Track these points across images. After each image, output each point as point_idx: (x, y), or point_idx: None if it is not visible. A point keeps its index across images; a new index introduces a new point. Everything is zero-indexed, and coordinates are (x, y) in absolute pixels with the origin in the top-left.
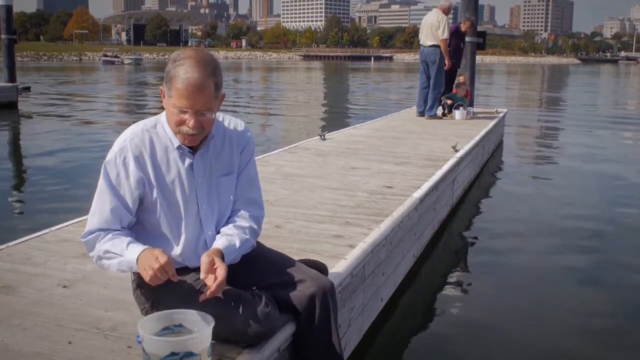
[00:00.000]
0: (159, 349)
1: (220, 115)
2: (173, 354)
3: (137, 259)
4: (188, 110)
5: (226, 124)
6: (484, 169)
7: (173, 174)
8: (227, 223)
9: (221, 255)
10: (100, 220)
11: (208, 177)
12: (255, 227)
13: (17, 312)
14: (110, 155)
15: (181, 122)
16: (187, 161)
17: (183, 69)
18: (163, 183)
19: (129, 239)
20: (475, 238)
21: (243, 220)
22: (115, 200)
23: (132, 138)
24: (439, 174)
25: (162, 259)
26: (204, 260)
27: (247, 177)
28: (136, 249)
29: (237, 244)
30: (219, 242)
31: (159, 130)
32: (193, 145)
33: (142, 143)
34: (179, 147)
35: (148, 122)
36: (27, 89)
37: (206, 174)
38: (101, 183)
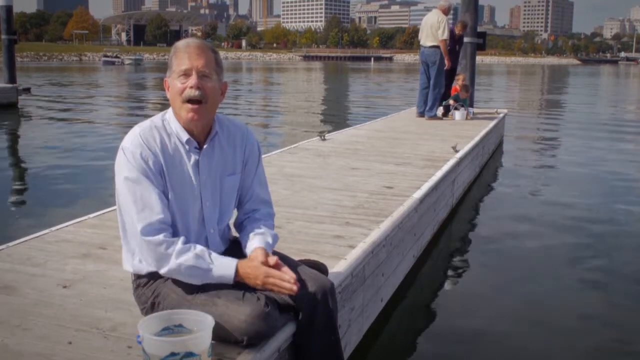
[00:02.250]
0: (159, 349)
1: (222, 117)
2: (173, 354)
3: (235, 273)
4: (190, 74)
5: (229, 124)
6: (483, 170)
7: (181, 169)
8: (250, 220)
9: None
10: (152, 212)
11: (213, 175)
12: (274, 224)
13: (17, 312)
14: (126, 155)
15: (183, 89)
16: (193, 158)
17: (183, 40)
18: (173, 178)
19: (209, 252)
20: (475, 239)
21: (267, 218)
22: (153, 187)
23: (142, 133)
24: (438, 174)
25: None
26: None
27: (259, 179)
28: (229, 264)
29: (270, 241)
30: (258, 241)
31: (166, 126)
32: (198, 129)
33: (152, 139)
34: (187, 141)
35: (155, 119)
36: (27, 89)
37: (211, 171)
38: (128, 184)
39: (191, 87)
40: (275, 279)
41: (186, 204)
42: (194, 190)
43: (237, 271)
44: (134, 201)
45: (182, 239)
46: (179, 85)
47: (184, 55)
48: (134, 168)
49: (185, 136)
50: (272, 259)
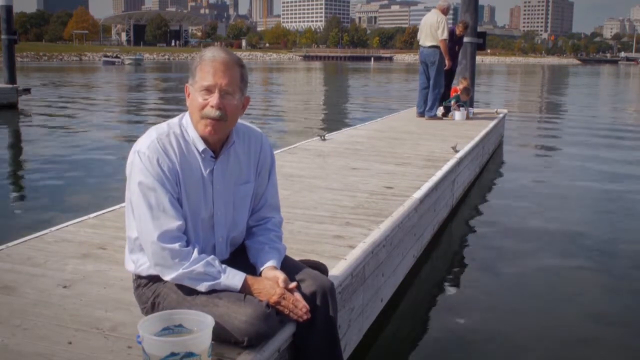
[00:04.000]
0: (159, 349)
1: (239, 124)
2: (173, 354)
3: (242, 286)
4: (212, 91)
5: (245, 130)
6: (483, 170)
7: (196, 177)
8: (260, 229)
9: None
10: (169, 220)
11: (226, 183)
12: (282, 232)
13: (17, 312)
14: (142, 160)
15: (204, 105)
16: (209, 167)
17: (210, 51)
18: (188, 185)
19: (222, 265)
20: (475, 239)
21: (278, 227)
22: (168, 193)
23: (159, 139)
24: (439, 174)
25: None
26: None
27: (272, 185)
28: (238, 277)
29: (282, 256)
30: (274, 261)
31: (183, 133)
32: (214, 141)
33: (170, 145)
34: (204, 151)
35: (172, 124)
36: (27, 90)
37: (225, 180)
38: (143, 189)
39: (212, 107)
40: (288, 302)
41: (198, 211)
42: (207, 199)
43: (243, 286)
44: (149, 207)
45: (196, 250)
46: (200, 100)
47: (209, 70)
48: (150, 174)
49: (202, 146)
50: (292, 284)
